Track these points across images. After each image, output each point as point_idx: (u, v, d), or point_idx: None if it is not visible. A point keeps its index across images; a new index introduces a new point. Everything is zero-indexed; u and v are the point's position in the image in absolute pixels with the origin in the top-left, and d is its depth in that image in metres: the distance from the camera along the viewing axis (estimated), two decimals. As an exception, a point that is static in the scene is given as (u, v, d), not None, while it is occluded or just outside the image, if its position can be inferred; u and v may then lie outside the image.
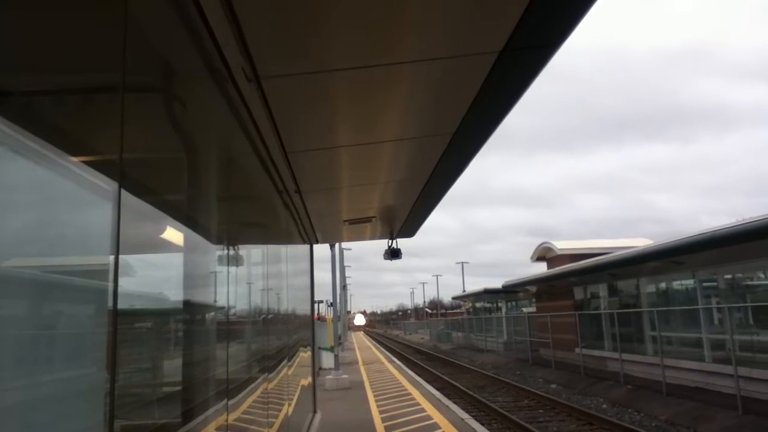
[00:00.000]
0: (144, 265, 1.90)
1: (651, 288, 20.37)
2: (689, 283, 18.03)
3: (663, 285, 19.82)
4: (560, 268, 25.98)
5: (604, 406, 15.81)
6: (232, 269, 3.12)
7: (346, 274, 42.92)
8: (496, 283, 36.26)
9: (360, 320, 73.14)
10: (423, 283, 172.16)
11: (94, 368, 1.45)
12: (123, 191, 1.53)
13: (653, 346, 17.99)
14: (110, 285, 1.46)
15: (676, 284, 19.14)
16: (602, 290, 23.63)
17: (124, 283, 1.53)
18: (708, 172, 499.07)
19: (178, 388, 2.25)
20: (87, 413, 1.43)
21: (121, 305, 1.51)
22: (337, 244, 22.55)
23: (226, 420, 2.75)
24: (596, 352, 21.63)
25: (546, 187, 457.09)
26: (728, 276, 16.53)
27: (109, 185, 1.51)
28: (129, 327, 1.74)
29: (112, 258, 1.47)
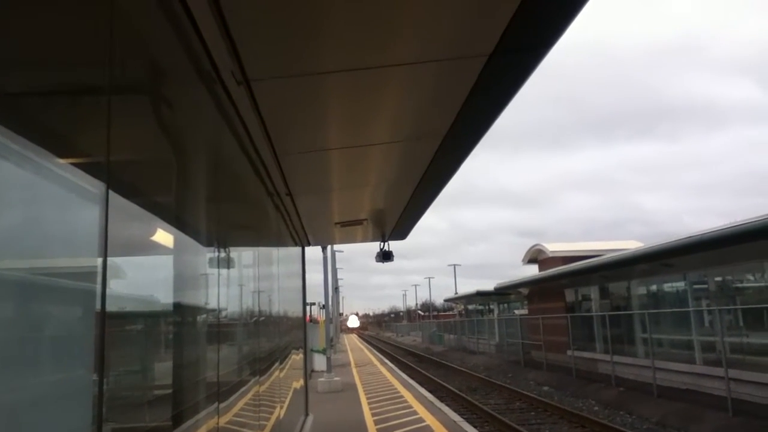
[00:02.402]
0: (133, 267, 1.89)
1: (642, 290, 20.47)
2: (680, 285, 18.14)
3: (654, 287, 19.93)
4: (552, 270, 26.03)
5: (596, 407, 15.86)
6: (223, 271, 3.11)
7: (338, 276, 42.85)
8: (486, 285, 36.40)
9: (354, 322, 72.49)
10: (415, 285, 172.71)
11: (82, 371, 1.44)
12: (111, 192, 1.53)
13: (644, 348, 18.06)
14: (98, 287, 1.46)
15: (667, 286, 19.25)
16: (594, 292, 23.72)
17: (112, 285, 1.52)
18: (695, 171, 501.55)
19: (168, 391, 2.24)
20: (74, 417, 1.42)
21: (109, 307, 1.50)
22: (328, 247, 22.52)
23: (217, 423, 2.74)
24: (588, 354, 21.71)
25: (533, 186, 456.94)
26: (718, 278, 16.64)
27: (96, 187, 1.50)
28: (117, 329, 1.73)
29: (100, 260, 1.47)
